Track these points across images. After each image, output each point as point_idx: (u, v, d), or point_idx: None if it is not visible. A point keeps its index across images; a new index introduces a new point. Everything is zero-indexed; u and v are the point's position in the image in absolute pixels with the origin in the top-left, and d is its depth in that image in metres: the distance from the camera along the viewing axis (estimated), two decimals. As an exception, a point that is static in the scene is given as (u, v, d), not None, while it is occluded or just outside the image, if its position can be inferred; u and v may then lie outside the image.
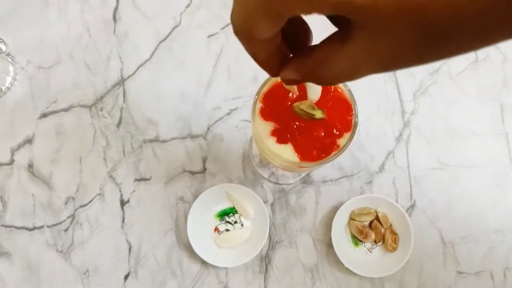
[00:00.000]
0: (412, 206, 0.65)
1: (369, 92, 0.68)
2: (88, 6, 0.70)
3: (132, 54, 0.68)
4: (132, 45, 0.69)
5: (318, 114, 0.45)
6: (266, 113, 0.47)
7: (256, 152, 0.67)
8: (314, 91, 0.47)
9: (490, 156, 0.67)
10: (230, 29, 0.69)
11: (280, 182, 0.66)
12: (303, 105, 0.45)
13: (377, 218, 0.64)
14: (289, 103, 0.47)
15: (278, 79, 0.48)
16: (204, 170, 0.65)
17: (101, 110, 0.66)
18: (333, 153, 0.46)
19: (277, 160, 0.48)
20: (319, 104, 0.46)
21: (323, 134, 0.46)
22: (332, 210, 0.64)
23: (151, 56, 0.68)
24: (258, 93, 0.47)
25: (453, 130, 0.68)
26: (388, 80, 0.69)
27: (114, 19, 0.69)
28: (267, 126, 0.46)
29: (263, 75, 0.32)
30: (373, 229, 0.63)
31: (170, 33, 0.69)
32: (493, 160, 0.67)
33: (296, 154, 0.46)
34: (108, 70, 0.68)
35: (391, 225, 0.63)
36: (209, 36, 0.69)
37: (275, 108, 0.47)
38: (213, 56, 0.69)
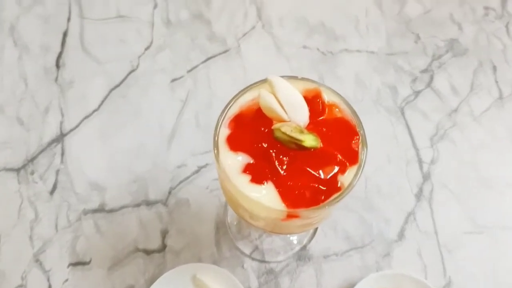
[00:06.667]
0: (448, 284, 0.49)
1: (372, 138, 0.54)
2: (27, 52, 0.59)
3: (76, 105, 0.56)
4: (77, 94, 0.57)
5: (309, 140, 0.31)
6: (235, 142, 0.33)
7: (233, 220, 0.51)
8: (299, 111, 0.33)
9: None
10: (197, 71, 0.58)
11: (266, 260, 0.49)
12: (285, 128, 0.31)
13: (403, 303, 0.46)
14: (267, 128, 0.33)
15: (250, 97, 0.35)
16: (163, 247, 0.49)
17: (32, 173, 0.52)
18: (335, 195, 0.31)
19: (254, 210, 0.32)
20: (309, 129, 0.32)
21: (317, 169, 0.32)
22: (340, 295, 0.47)
23: (100, 105, 0.56)
24: (223, 115, 0.34)
25: (485, 181, 0.54)
26: (396, 123, 0.55)
27: (57, 65, 0.58)
28: (237, 160, 0.32)
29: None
30: (400, 320, 0.45)
31: (124, 79, 0.57)
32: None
33: (280, 197, 0.31)
34: (45, 124, 0.55)
35: (424, 313, 0.46)
36: (173, 80, 0.58)
37: (247, 135, 0.33)
38: (177, 103, 0.56)
